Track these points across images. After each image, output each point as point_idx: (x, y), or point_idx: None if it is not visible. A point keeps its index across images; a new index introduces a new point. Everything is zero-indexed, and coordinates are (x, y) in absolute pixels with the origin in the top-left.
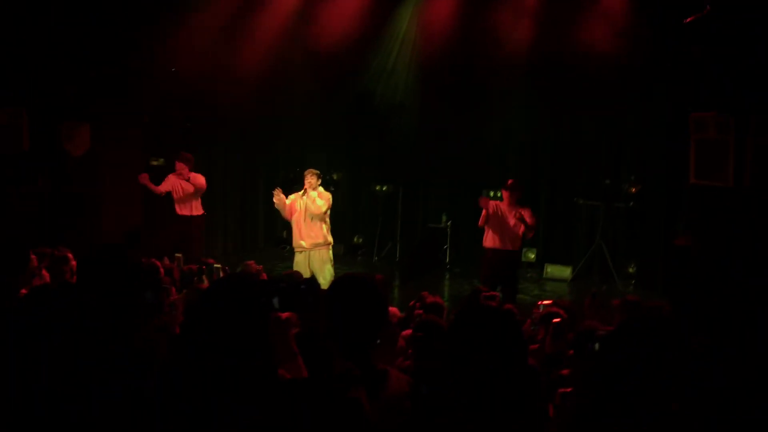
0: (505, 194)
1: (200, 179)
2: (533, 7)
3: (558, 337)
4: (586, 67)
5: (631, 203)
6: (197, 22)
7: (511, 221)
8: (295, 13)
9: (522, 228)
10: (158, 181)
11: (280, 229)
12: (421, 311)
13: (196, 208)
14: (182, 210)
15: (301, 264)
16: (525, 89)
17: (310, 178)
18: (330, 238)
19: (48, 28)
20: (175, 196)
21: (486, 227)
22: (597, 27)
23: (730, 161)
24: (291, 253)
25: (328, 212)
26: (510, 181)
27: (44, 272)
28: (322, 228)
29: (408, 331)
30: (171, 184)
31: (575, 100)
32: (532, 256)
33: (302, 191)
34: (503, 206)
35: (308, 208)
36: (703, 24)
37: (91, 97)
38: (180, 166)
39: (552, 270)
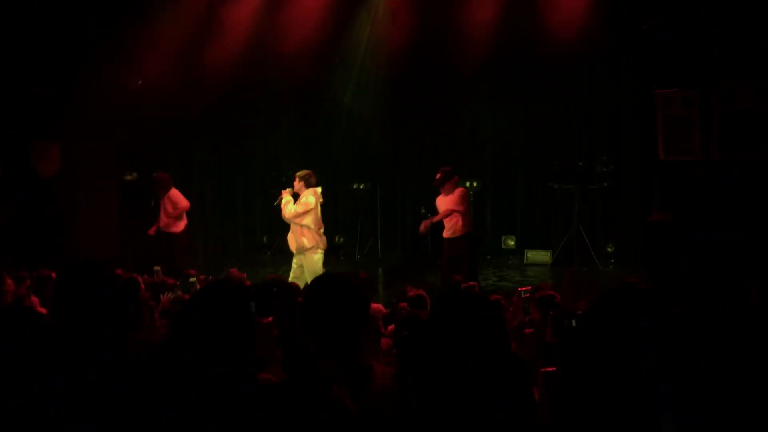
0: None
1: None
2: None
3: (558, 327)
4: (550, 52)
5: (605, 184)
6: (162, 31)
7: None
8: (260, 15)
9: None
10: (132, 194)
11: (261, 234)
12: (404, 304)
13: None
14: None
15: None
16: (493, 78)
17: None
18: None
19: (10, 47)
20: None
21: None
22: (559, 11)
23: (697, 135)
24: (273, 258)
25: None
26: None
27: (33, 298)
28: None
29: (393, 327)
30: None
31: (542, 85)
32: (512, 242)
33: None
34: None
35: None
36: (662, 1)
37: (59, 115)
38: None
39: (532, 255)
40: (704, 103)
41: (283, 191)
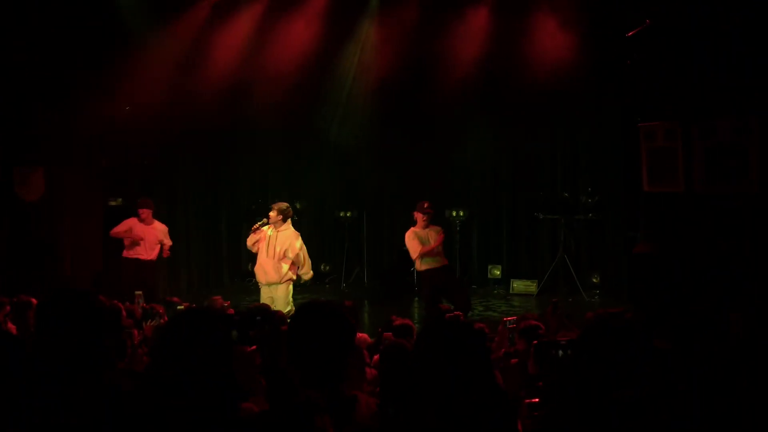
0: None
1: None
2: (482, 28)
3: (540, 358)
4: (536, 85)
5: (590, 215)
6: (149, 59)
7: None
8: (248, 44)
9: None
10: (116, 221)
11: (245, 262)
12: (390, 334)
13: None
14: (146, 254)
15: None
16: (479, 109)
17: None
18: None
19: None
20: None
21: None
22: (544, 45)
23: (680, 167)
24: (257, 286)
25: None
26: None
27: (10, 325)
28: None
29: (377, 357)
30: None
31: (529, 117)
32: (498, 272)
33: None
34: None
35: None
36: (645, 37)
37: (43, 140)
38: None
39: (518, 285)
40: (687, 136)
41: (257, 224)
